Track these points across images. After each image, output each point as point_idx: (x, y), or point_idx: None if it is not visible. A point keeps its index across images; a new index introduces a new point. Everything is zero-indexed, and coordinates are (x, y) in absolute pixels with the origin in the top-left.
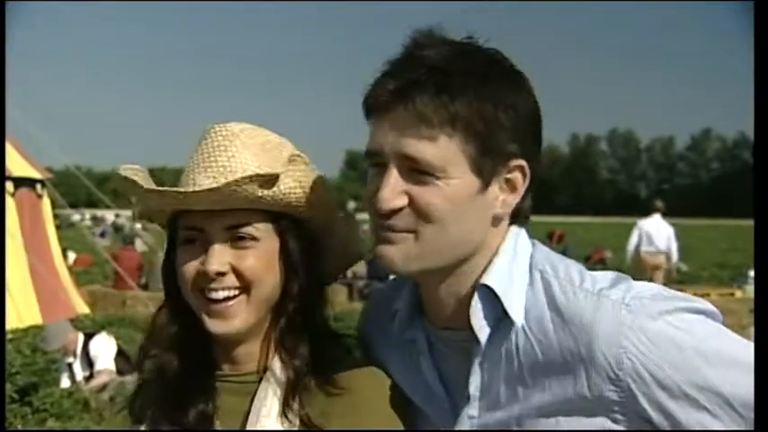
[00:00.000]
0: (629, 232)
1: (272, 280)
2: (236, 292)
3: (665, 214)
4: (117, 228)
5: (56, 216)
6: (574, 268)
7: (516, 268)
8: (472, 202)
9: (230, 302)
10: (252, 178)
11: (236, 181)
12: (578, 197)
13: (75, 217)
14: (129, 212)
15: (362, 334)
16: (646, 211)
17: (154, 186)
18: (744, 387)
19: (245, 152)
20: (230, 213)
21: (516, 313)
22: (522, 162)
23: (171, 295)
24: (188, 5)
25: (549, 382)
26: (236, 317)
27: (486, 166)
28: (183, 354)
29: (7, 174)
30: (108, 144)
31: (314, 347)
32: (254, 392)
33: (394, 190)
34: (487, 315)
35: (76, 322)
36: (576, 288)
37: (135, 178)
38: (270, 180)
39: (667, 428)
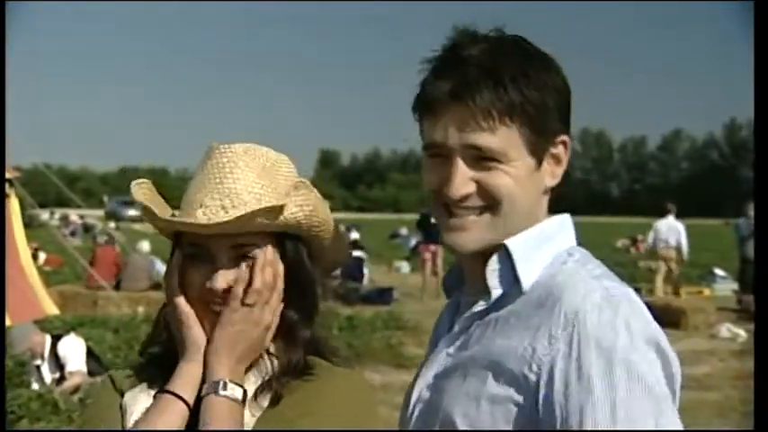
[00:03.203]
0: (601, 232)
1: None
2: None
3: (684, 214)
4: (87, 228)
5: (25, 216)
6: (598, 264)
7: (547, 246)
8: (531, 179)
9: None
10: (257, 212)
11: (245, 216)
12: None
13: (44, 216)
14: (99, 212)
15: (444, 285)
16: (618, 211)
17: (167, 217)
18: (640, 414)
19: (249, 174)
20: (235, 235)
21: (527, 278)
22: (566, 137)
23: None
24: (166, 5)
25: (511, 331)
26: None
27: (540, 145)
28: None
29: None
30: (80, 143)
31: (304, 353)
32: None
33: (463, 177)
34: (504, 276)
35: (45, 323)
36: (582, 269)
37: (151, 206)
38: (277, 211)
39: (555, 404)
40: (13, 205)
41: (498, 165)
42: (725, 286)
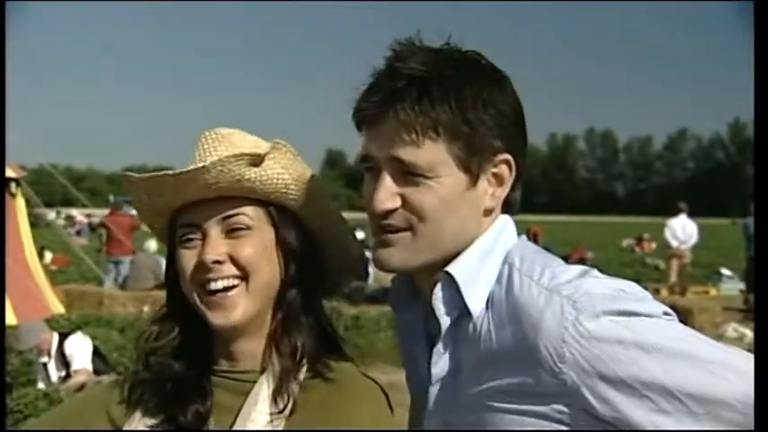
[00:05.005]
0: (606, 231)
1: (270, 268)
2: (236, 281)
3: (690, 214)
4: (93, 227)
5: (31, 215)
6: (539, 263)
7: (490, 260)
8: (463, 197)
9: (230, 293)
10: (237, 156)
11: (221, 160)
12: (556, 196)
13: (51, 216)
14: (105, 211)
15: (390, 300)
16: (623, 211)
17: (143, 176)
18: (687, 377)
19: (235, 151)
20: (223, 205)
21: (475, 303)
22: (508, 156)
23: (173, 299)
24: (166, 4)
25: (502, 368)
26: (236, 307)
27: (473, 162)
28: (183, 356)
29: None
30: (85, 142)
31: (310, 338)
32: (249, 390)
33: (387, 192)
34: (450, 302)
35: (52, 322)
36: (532, 282)
37: (129, 174)
38: (256, 161)
39: (611, 419)
40: (20, 204)
41: (425, 180)
42: (731, 286)
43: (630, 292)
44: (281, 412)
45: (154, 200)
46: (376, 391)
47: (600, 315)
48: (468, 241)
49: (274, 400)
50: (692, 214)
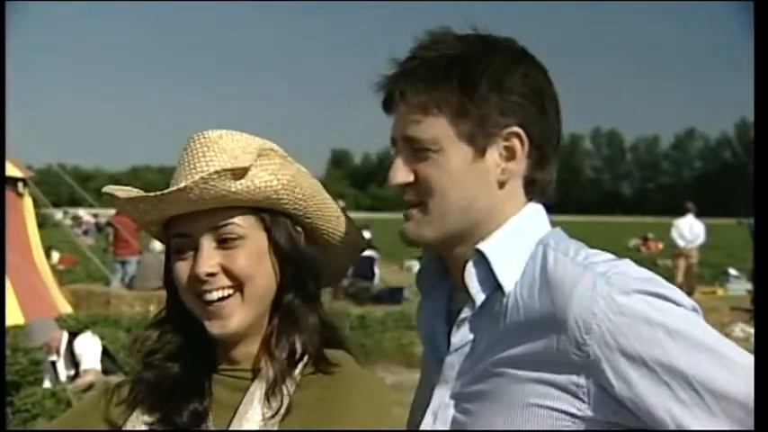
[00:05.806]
0: (613, 231)
1: (265, 275)
2: (230, 291)
3: (698, 214)
4: (99, 227)
5: (39, 215)
6: (574, 245)
7: (522, 241)
8: (470, 169)
9: (225, 302)
10: (219, 173)
11: (203, 178)
12: (562, 196)
13: (58, 216)
14: (111, 211)
15: (418, 283)
16: (629, 210)
17: (131, 194)
18: (708, 370)
19: (224, 156)
20: (213, 215)
21: (507, 280)
22: (517, 129)
23: (171, 303)
24: (166, 4)
25: (525, 337)
26: (232, 316)
27: (478, 135)
28: (184, 358)
29: None
30: (92, 142)
31: (311, 337)
32: (247, 387)
33: (400, 168)
34: (483, 280)
35: (60, 322)
36: (567, 258)
37: (113, 191)
38: (240, 173)
39: (627, 400)
40: (27, 204)
41: (433, 155)
42: (738, 286)
43: (660, 282)
44: (274, 415)
45: (142, 216)
46: (373, 381)
47: (632, 293)
48: (481, 213)
49: (268, 401)
50: (699, 214)
